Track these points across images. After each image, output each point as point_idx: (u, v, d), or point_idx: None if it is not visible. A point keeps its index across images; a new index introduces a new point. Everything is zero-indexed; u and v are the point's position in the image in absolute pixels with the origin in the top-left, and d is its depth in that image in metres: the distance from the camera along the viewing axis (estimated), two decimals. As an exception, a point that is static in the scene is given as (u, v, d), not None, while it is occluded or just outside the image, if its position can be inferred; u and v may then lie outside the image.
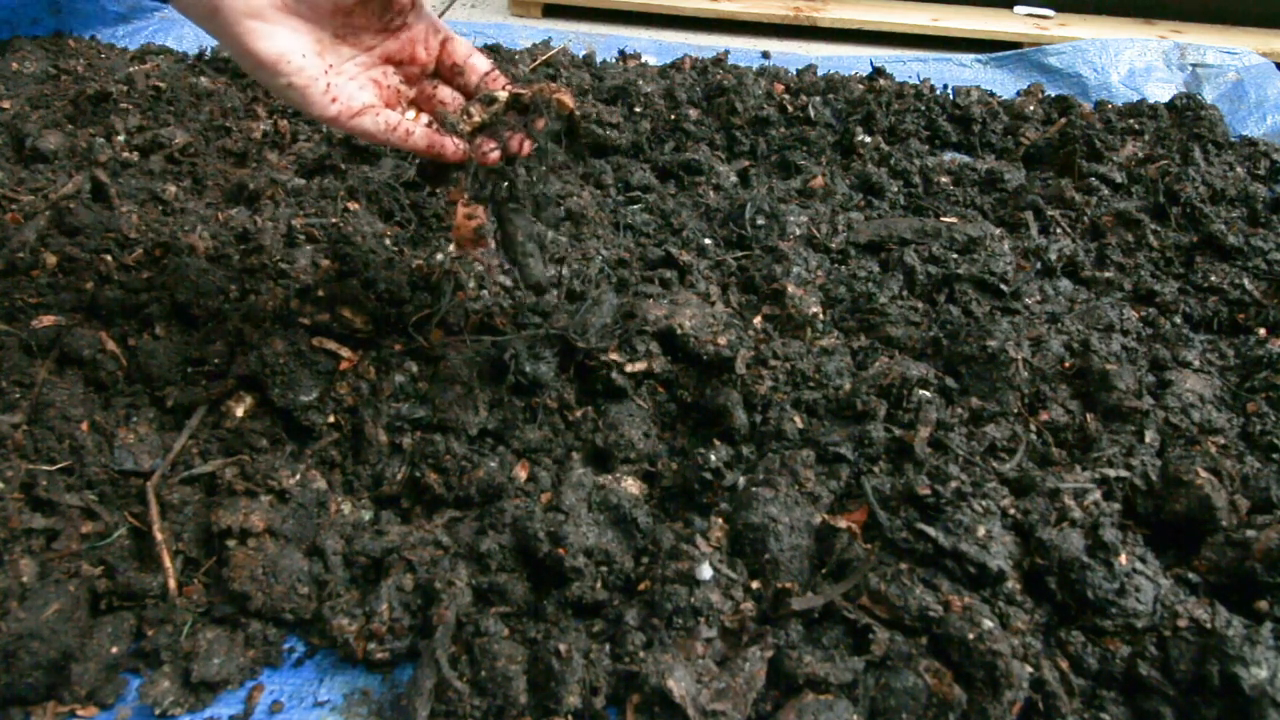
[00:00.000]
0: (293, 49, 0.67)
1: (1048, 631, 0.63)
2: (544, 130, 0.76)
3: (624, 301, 0.88)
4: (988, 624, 0.60)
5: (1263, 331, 0.98)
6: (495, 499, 0.74)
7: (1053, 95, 1.62)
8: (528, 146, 0.76)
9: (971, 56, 1.89)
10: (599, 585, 0.67)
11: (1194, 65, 1.79)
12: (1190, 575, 0.66)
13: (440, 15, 1.93)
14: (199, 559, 0.70)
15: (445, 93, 0.77)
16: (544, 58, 1.61)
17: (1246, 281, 1.04)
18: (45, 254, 0.93)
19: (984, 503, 0.68)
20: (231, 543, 0.68)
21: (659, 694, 0.57)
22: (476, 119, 0.74)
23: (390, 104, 0.74)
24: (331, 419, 0.80)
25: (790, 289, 0.96)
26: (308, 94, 0.68)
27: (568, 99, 0.76)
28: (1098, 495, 0.71)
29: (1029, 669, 0.59)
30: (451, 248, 0.76)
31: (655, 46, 1.90)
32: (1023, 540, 0.67)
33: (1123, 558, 0.64)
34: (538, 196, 0.79)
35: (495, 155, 0.74)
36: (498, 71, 0.78)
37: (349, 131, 0.72)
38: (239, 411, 0.79)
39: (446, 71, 0.78)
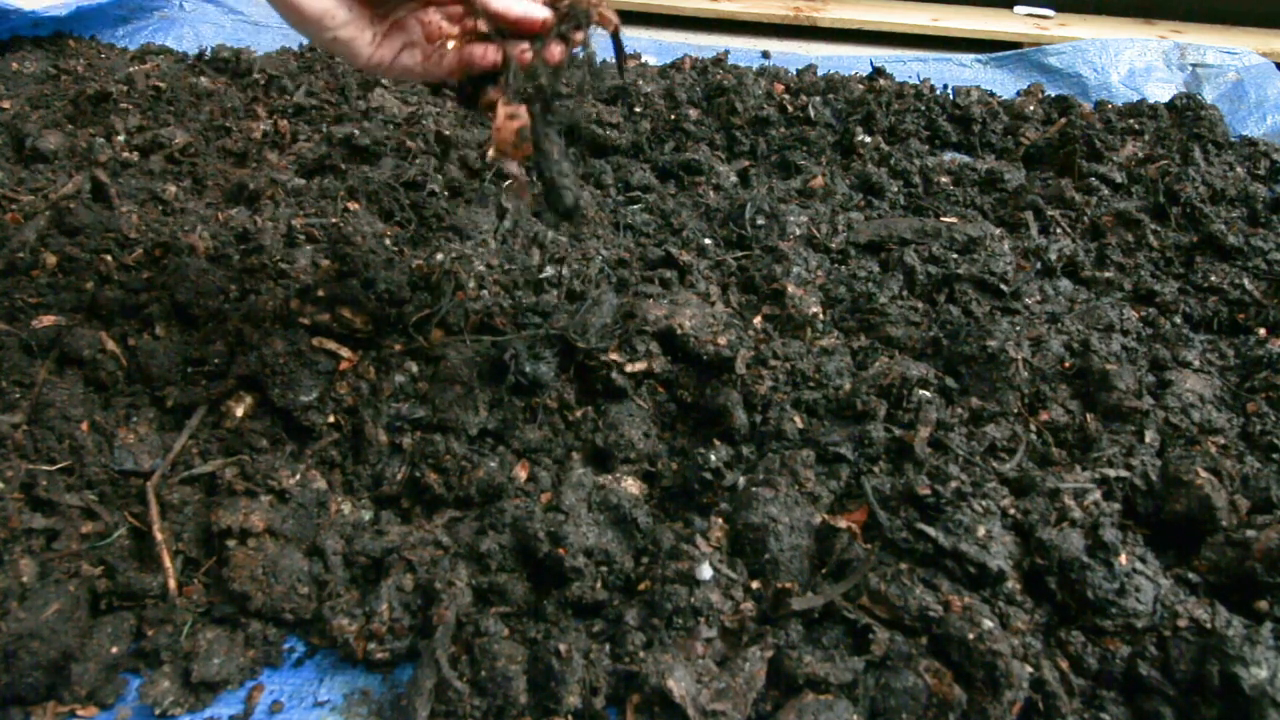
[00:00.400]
0: (335, 5, 0.68)
1: (1048, 631, 0.63)
2: (582, 44, 0.73)
3: (624, 301, 0.88)
4: (988, 624, 0.60)
5: (1263, 331, 0.98)
6: (495, 499, 0.74)
7: (1053, 95, 1.62)
8: (559, 52, 0.73)
9: (971, 56, 1.89)
10: (599, 585, 0.67)
11: (1194, 65, 1.79)
12: (1190, 575, 0.66)
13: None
14: (199, 559, 0.70)
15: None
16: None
17: (1246, 281, 1.04)
18: (45, 254, 0.93)
19: (984, 503, 0.68)
20: (231, 543, 0.68)
21: (659, 694, 0.57)
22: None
23: (432, 39, 0.74)
24: (331, 419, 0.80)
25: (790, 289, 0.96)
26: (353, 46, 0.70)
27: (610, 14, 0.73)
28: (1098, 495, 0.71)
29: (1029, 669, 0.59)
30: (490, 153, 0.74)
31: (655, 46, 1.90)
32: (1023, 540, 0.67)
33: (1123, 558, 0.64)
34: (571, 122, 0.77)
35: (528, 56, 0.72)
36: None
37: (392, 76, 0.73)
38: (239, 411, 0.79)
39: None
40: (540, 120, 0.75)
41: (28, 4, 1.61)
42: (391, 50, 0.72)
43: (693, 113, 1.42)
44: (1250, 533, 0.66)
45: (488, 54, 0.72)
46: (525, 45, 0.72)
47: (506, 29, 0.71)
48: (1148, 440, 0.78)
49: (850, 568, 0.65)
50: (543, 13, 0.70)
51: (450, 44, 0.73)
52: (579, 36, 0.73)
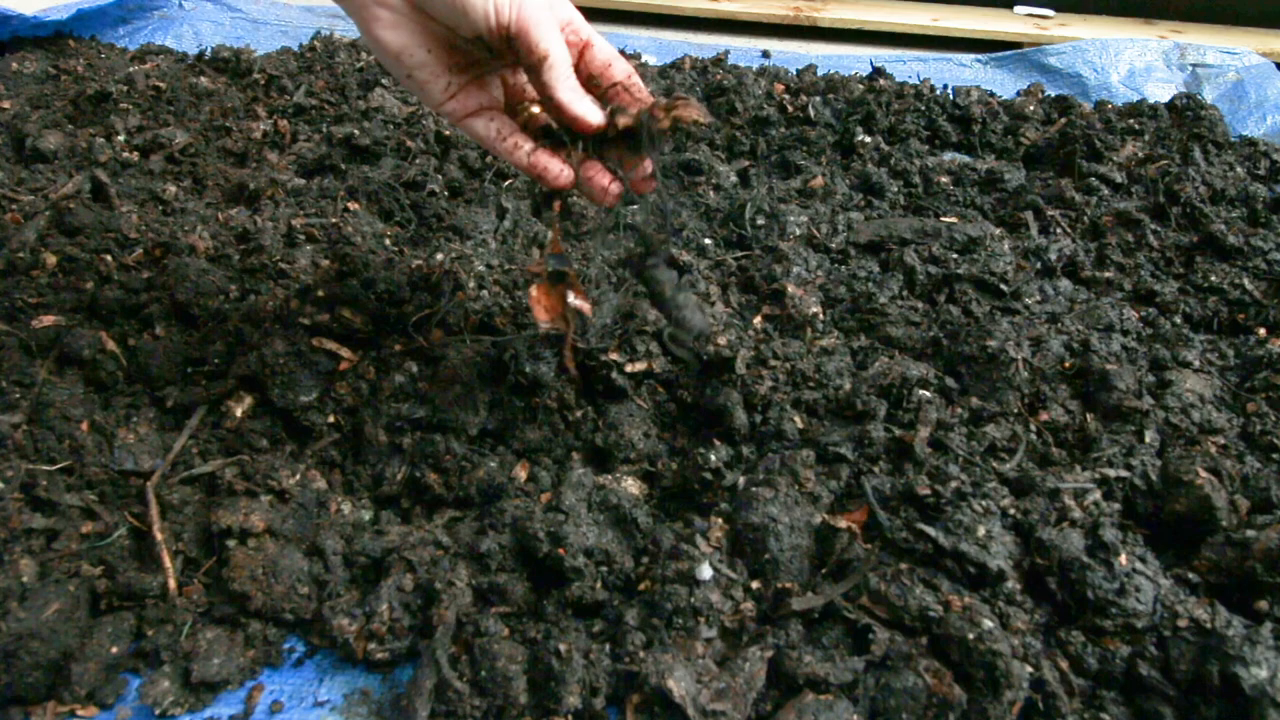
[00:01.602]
0: (416, 44, 0.67)
1: (1048, 631, 0.63)
2: (657, 161, 0.70)
3: (624, 301, 0.88)
4: (988, 624, 0.60)
5: (1263, 331, 0.98)
6: (495, 499, 0.74)
7: (1053, 95, 1.62)
8: (648, 185, 0.71)
9: (971, 56, 1.89)
10: (599, 585, 0.67)
11: (1194, 65, 1.79)
12: (1190, 575, 0.66)
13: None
14: (199, 559, 0.70)
15: None
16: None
17: (1246, 281, 1.04)
18: (45, 254, 0.93)
19: (984, 503, 0.68)
20: (231, 543, 0.68)
21: (659, 694, 0.57)
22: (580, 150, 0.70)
23: (515, 99, 0.73)
24: (331, 419, 0.80)
25: (790, 289, 0.96)
26: (427, 88, 0.69)
27: (697, 114, 0.67)
28: (1098, 495, 0.71)
29: (1029, 669, 0.59)
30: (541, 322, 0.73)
31: (655, 46, 1.90)
32: (1023, 540, 0.67)
33: (1123, 558, 0.64)
34: (667, 257, 0.74)
35: (614, 192, 0.71)
36: (635, 79, 0.72)
37: (460, 128, 0.71)
38: (239, 411, 0.79)
39: (584, 80, 0.72)
40: (643, 264, 0.74)
41: (29, 9, 1.61)
42: (465, 106, 0.71)
43: (693, 113, 1.42)
44: (1250, 533, 0.66)
45: (560, 176, 0.71)
46: (607, 177, 0.70)
47: (565, 124, 0.70)
48: (1148, 440, 0.78)
49: (850, 568, 0.65)
50: (597, 117, 0.68)
51: (526, 147, 0.71)
52: (645, 162, 0.70)
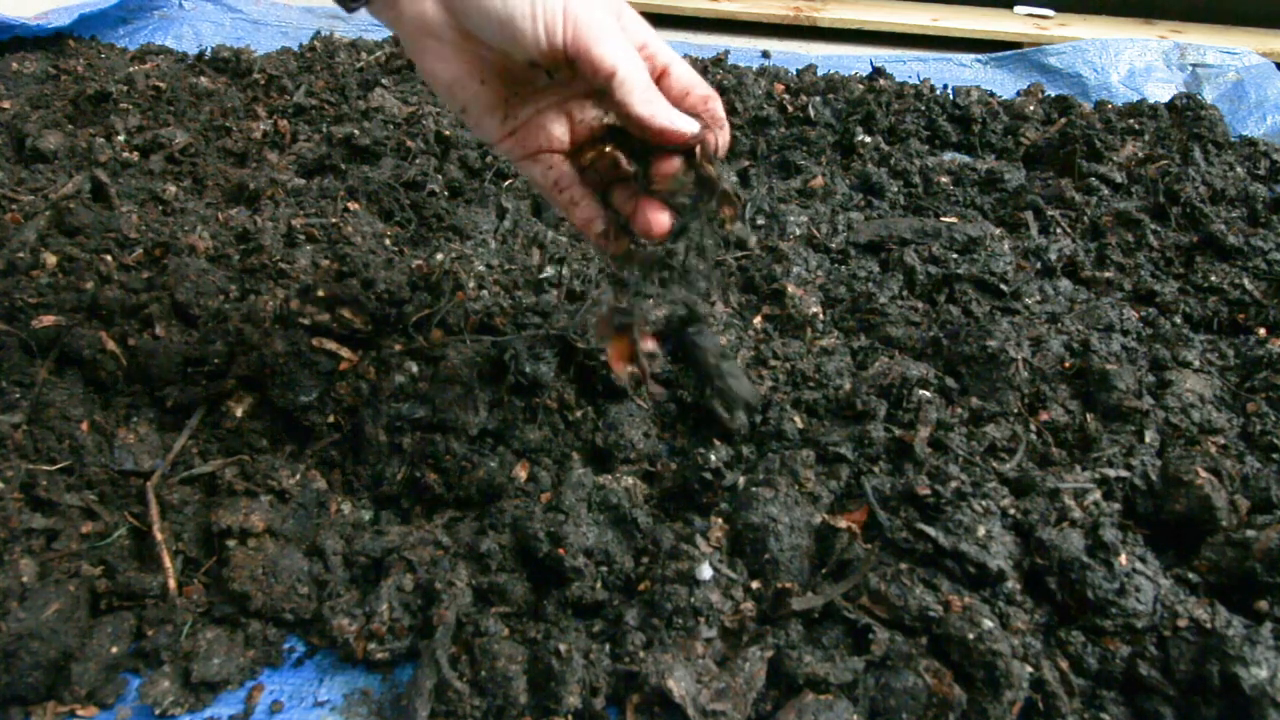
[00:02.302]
0: (468, 75, 0.62)
1: (1048, 631, 0.63)
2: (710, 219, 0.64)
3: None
4: (988, 624, 0.60)
5: (1263, 331, 0.98)
6: (495, 499, 0.74)
7: (1053, 95, 1.62)
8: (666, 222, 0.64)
9: (971, 56, 1.89)
10: (599, 585, 0.67)
11: (1194, 65, 1.79)
12: (1190, 575, 0.66)
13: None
14: (199, 559, 0.70)
15: None
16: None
17: (1246, 281, 1.04)
18: (45, 254, 0.93)
19: (984, 503, 0.68)
20: (231, 543, 0.68)
21: (659, 694, 0.57)
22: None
23: (580, 138, 0.66)
24: (331, 419, 0.80)
25: (790, 289, 0.96)
26: (482, 124, 0.64)
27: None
28: (1098, 495, 0.71)
29: (1029, 669, 0.59)
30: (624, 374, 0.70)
31: (655, 46, 1.89)
32: (1023, 540, 0.67)
33: (1123, 558, 0.64)
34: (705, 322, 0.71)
35: (666, 224, 0.63)
36: (715, 105, 0.64)
37: (519, 169, 0.66)
38: (239, 411, 0.79)
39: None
40: (684, 331, 0.71)
41: (30, 13, 1.62)
42: (525, 146, 0.65)
43: (693, 113, 1.42)
44: (1250, 533, 0.66)
45: (612, 245, 0.66)
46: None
47: (649, 143, 0.62)
48: (1148, 440, 0.78)
49: (850, 568, 0.65)
50: (691, 126, 0.61)
51: (583, 204, 0.66)
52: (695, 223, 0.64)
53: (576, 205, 0.67)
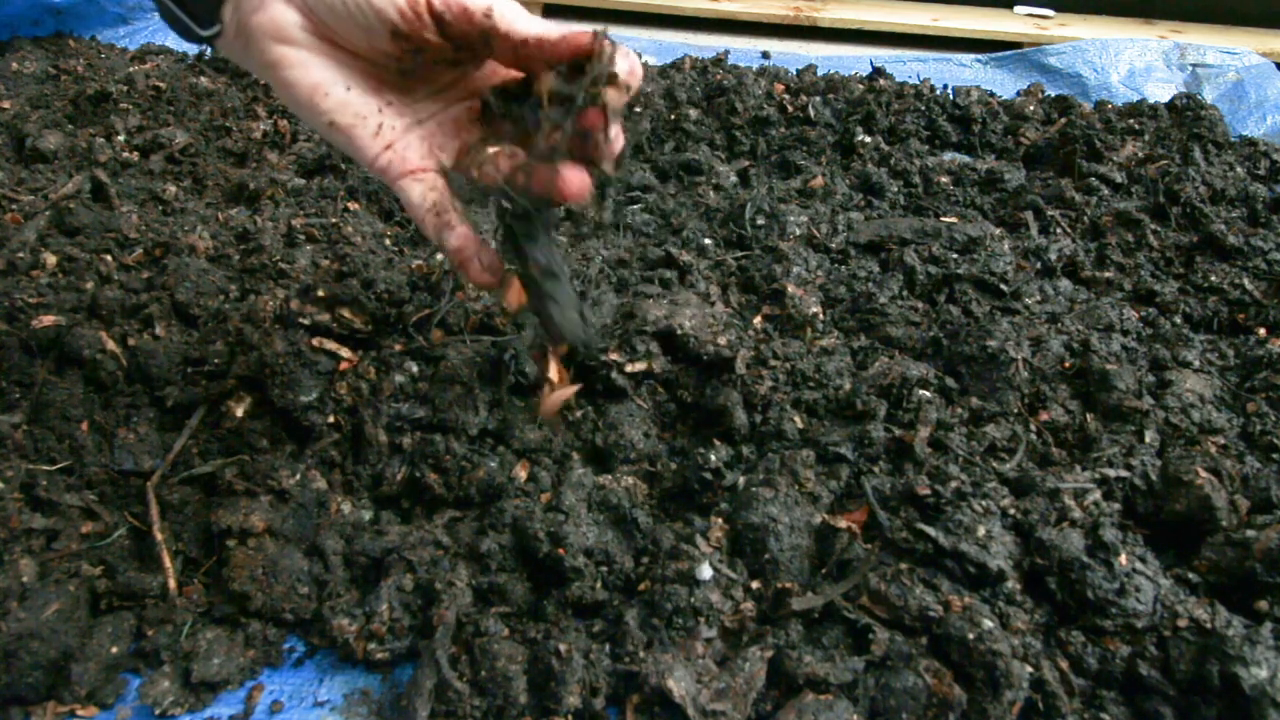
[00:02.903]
0: (330, 80, 0.56)
1: (1048, 631, 0.63)
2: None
3: (624, 301, 0.88)
4: (988, 624, 0.60)
5: (1263, 331, 0.98)
6: (495, 499, 0.74)
7: (1053, 95, 1.62)
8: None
9: (971, 56, 1.89)
10: (599, 585, 0.67)
11: (1194, 65, 1.79)
12: (1190, 575, 0.66)
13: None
14: (199, 559, 0.70)
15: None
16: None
17: (1246, 281, 1.04)
18: (45, 254, 0.93)
19: (984, 503, 0.68)
20: (231, 543, 0.68)
21: (659, 694, 0.57)
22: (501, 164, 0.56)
23: (464, 152, 0.61)
24: (331, 419, 0.80)
25: (790, 289, 0.96)
26: (353, 136, 0.57)
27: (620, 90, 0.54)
28: (1098, 495, 0.71)
29: (1029, 669, 0.59)
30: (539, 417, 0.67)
31: (655, 46, 1.90)
32: (1023, 540, 0.67)
33: (1123, 558, 0.64)
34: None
35: (584, 184, 0.55)
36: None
37: (395, 191, 0.60)
38: (239, 411, 0.79)
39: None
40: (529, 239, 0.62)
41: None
42: (404, 161, 0.59)
43: (693, 113, 1.42)
44: (1250, 533, 0.66)
45: (483, 275, 0.59)
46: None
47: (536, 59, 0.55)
48: (1148, 440, 0.78)
49: (850, 568, 0.65)
50: (585, 37, 0.54)
51: (458, 229, 0.60)
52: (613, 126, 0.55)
53: (453, 230, 0.61)
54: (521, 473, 0.76)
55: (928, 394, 0.80)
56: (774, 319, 0.94)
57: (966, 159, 1.41)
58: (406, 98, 0.60)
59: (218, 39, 0.58)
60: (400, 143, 0.59)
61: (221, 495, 0.72)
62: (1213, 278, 1.05)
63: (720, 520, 0.70)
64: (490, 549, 0.68)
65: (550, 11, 2.19)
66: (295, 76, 0.56)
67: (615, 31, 2.09)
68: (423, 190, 0.60)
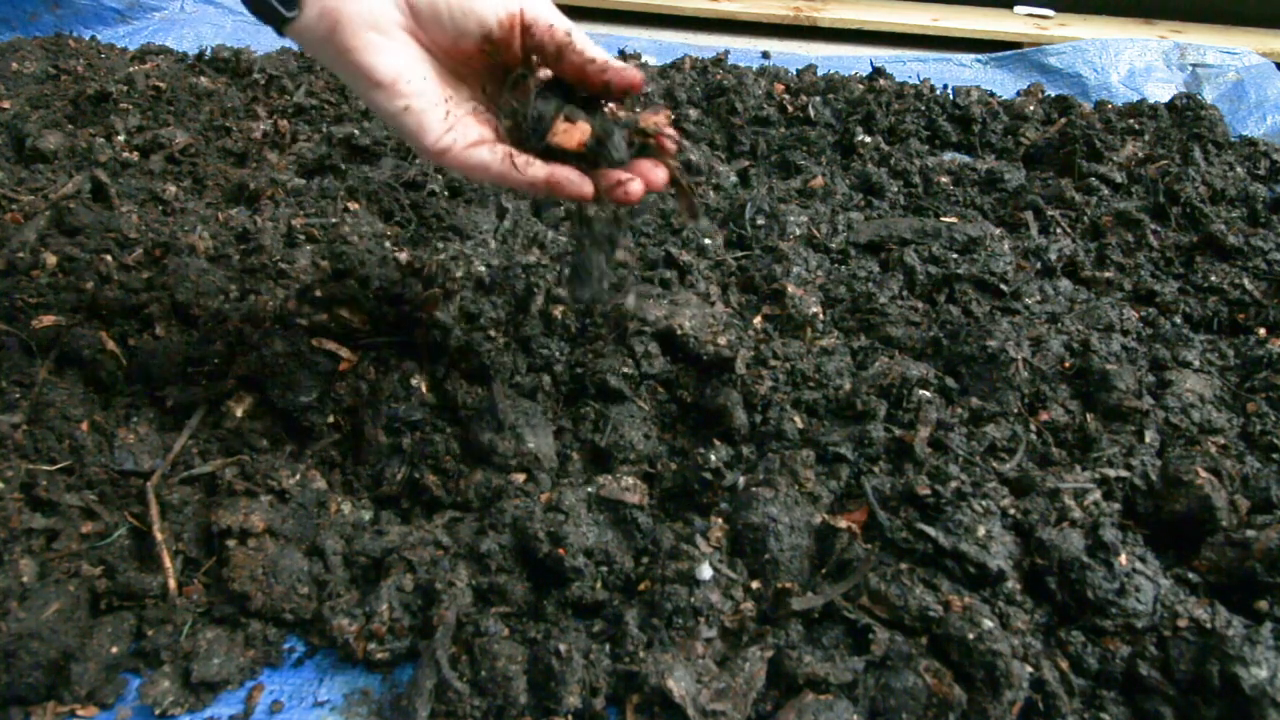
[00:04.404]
0: (412, 69, 0.62)
1: (1048, 631, 0.63)
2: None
3: (623, 302, 0.88)
4: (988, 624, 0.60)
5: (1263, 331, 0.98)
6: (495, 499, 0.74)
7: (1053, 95, 1.62)
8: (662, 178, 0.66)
9: (971, 56, 1.89)
10: (599, 585, 0.67)
11: (1194, 65, 1.79)
12: (1190, 575, 0.66)
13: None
14: (199, 559, 0.70)
15: None
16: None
17: (1246, 281, 1.04)
18: (45, 254, 0.93)
19: (984, 503, 0.68)
20: (231, 543, 0.68)
21: (659, 694, 0.57)
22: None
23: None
24: (331, 419, 0.80)
25: (790, 289, 0.96)
26: (424, 120, 0.63)
27: (668, 140, 0.65)
28: (1098, 495, 0.71)
29: (1029, 669, 0.59)
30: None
31: (655, 46, 1.90)
32: (1023, 540, 0.67)
33: (1123, 558, 0.64)
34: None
35: (635, 192, 0.63)
36: (631, 74, 0.64)
37: (461, 167, 0.65)
38: (239, 411, 0.79)
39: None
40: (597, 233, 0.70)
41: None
42: (467, 137, 0.64)
43: (693, 113, 1.42)
44: (1250, 533, 0.66)
45: (583, 184, 0.64)
46: (624, 177, 0.64)
47: (595, 89, 0.64)
48: (1148, 440, 0.78)
49: (850, 568, 0.65)
50: (637, 75, 0.63)
51: (538, 162, 0.64)
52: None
53: (534, 164, 0.65)
54: (521, 473, 0.76)
55: (928, 394, 0.80)
56: (774, 319, 0.94)
57: (966, 159, 1.41)
58: (458, 94, 0.66)
59: (293, 22, 0.62)
60: (460, 125, 0.65)
61: (221, 495, 0.72)
62: (1213, 278, 1.05)
63: (720, 520, 0.70)
64: (490, 549, 0.68)
65: (550, 11, 2.19)
66: (381, 62, 0.61)
67: (615, 31, 2.09)
68: (489, 149, 0.65)
